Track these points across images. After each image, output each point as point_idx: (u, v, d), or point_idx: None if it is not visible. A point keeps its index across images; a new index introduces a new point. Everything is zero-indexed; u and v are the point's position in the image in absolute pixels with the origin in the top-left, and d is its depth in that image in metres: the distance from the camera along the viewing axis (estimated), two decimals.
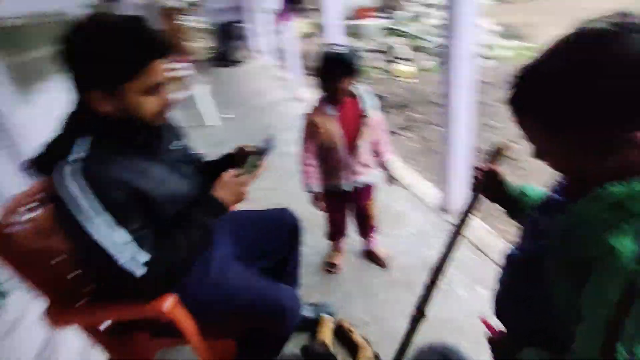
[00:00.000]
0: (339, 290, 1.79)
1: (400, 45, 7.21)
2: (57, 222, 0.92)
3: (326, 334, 1.51)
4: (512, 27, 8.95)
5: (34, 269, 1.01)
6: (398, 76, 6.40)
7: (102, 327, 1.15)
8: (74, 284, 1.12)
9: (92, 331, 1.11)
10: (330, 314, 1.60)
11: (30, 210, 1.09)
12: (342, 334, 1.52)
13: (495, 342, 0.82)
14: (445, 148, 2.02)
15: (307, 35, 9.08)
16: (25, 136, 1.52)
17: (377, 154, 1.66)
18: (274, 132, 1.16)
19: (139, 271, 0.87)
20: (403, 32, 7.64)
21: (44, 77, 1.91)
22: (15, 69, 1.64)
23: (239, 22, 7.23)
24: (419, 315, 0.95)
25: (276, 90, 5.30)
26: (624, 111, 0.49)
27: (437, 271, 0.91)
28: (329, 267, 1.89)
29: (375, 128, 1.59)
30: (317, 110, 1.56)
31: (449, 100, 1.85)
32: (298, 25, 6.37)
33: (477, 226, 2.03)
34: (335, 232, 1.87)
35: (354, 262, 1.95)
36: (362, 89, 1.56)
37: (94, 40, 0.80)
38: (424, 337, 1.51)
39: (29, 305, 1.35)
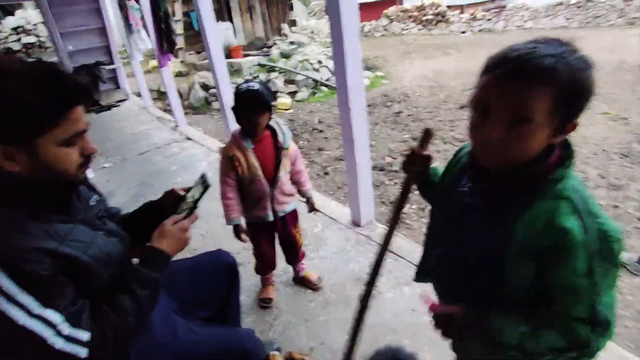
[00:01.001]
0: (279, 323, 1.76)
1: (274, 80, 7.60)
2: None
3: None
4: (364, 59, 10.38)
5: None
6: (278, 108, 6.71)
7: None
8: None
9: None
10: (277, 349, 1.55)
11: None
12: None
13: (442, 316, 0.80)
14: (350, 167, 2.23)
15: (179, 74, 8.80)
16: None
17: (297, 184, 1.73)
18: (204, 171, 1.12)
19: (83, 352, 0.73)
20: (276, 67, 8.08)
21: None
22: None
23: (107, 63, 6.53)
24: (363, 306, 0.98)
25: (159, 132, 4.94)
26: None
27: (380, 257, 0.95)
28: (264, 302, 1.84)
29: (293, 159, 1.66)
30: (234, 143, 1.56)
31: (349, 124, 2.06)
32: (172, 64, 6.15)
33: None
34: (265, 266, 1.85)
35: (287, 291, 1.95)
36: (278, 122, 1.62)
37: (1, 87, 0.68)
38: (363, 345, 1.61)
39: None
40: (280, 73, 7.94)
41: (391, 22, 16.64)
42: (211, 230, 2.56)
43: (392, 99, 6.69)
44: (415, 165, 0.88)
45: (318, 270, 2.03)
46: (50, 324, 0.71)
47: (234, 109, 1.50)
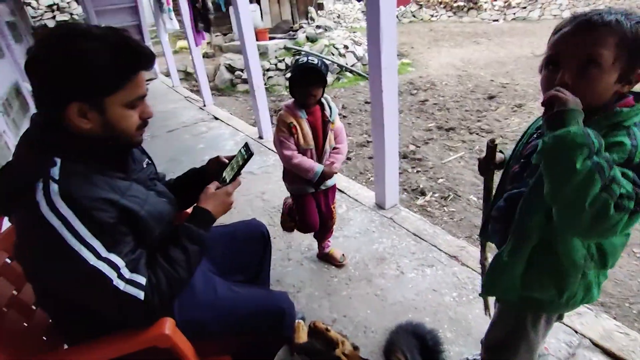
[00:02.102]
0: (302, 296, 1.83)
1: None
2: (30, 254, 0.80)
3: (303, 338, 1.54)
4: None
5: None
6: None
7: None
8: (30, 327, 0.96)
9: None
10: (301, 319, 1.63)
11: None
12: (318, 334, 1.56)
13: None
14: (378, 150, 2.25)
15: (205, 56, 8.90)
16: None
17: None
18: (247, 140, 1.17)
19: (141, 295, 0.81)
20: (302, 51, 8.05)
21: None
22: None
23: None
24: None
25: (187, 111, 5.07)
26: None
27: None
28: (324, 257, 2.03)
29: (337, 134, 1.73)
30: (290, 113, 1.63)
31: (380, 106, 2.08)
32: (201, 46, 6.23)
33: (411, 219, 2.29)
34: (312, 227, 1.87)
35: (311, 266, 2.02)
36: (326, 98, 1.69)
37: (79, 47, 0.74)
38: (385, 320, 1.66)
39: None
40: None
41: (420, 8, 16.19)
42: (239, 206, 2.65)
43: (418, 87, 6.59)
44: (486, 170, 1.05)
45: (342, 248, 2.08)
46: (114, 267, 0.78)
47: (291, 81, 1.59)
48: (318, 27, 9.50)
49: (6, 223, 0.96)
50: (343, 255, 2.02)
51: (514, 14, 13.81)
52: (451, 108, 5.46)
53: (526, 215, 0.83)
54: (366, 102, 5.80)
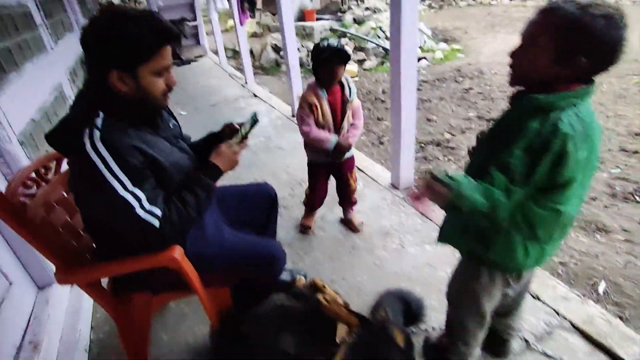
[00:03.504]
0: (308, 258, 2.02)
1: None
2: (79, 186, 1.04)
3: None
4: (441, 30, 9.83)
5: (43, 236, 1.12)
6: None
7: (106, 286, 1.27)
8: (79, 247, 1.24)
9: (97, 292, 1.23)
10: (304, 276, 1.82)
11: (36, 183, 1.19)
12: (315, 290, 1.76)
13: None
14: (395, 131, 2.34)
15: (253, 35, 9.18)
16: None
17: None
18: (255, 110, 1.37)
19: (156, 223, 1.03)
20: (347, 33, 8.05)
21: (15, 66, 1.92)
22: None
23: (190, 20, 7.11)
24: None
25: (230, 87, 5.38)
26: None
27: None
28: (304, 228, 2.19)
29: (354, 112, 1.89)
30: (312, 92, 1.82)
31: (398, 87, 2.16)
32: (248, 25, 6.48)
33: None
34: (314, 202, 2.15)
35: (320, 234, 2.20)
36: (347, 78, 1.85)
37: (119, 25, 0.95)
38: (379, 286, 1.81)
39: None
40: (350, 39, 7.91)
41: None
42: (263, 176, 2.88)
43: (464, 75, 6.38)
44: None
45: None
46: (137, 199, 1.00)
47: (314, 61, 1.75)
48: (367, 8, 9.38)
49: (64, 167, 1.23)
50: (362, 223, 2.20)
51: None
52: (496, 98, 5.26)
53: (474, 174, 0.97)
54: None
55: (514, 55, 0.88)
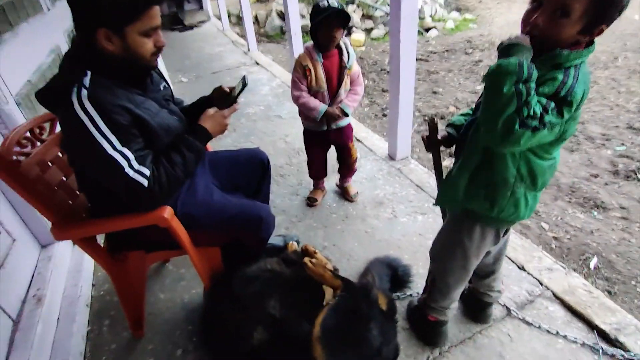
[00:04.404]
0: (302, 225, 2.07)
1: (351, 13, 7.36)
2: (69, 144, 1.07)
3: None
4: None
5: (38, 193, 1.16)
6: (351, 44, 6.59)
7: (101, 243, 1.32)
8: (74, 205, 1.28)
9: (93, 249, 1.28)
10: (296, 241, 1.87)
11: (31, 143, 1.21)
12: (307, 255, 1.81)
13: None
14: (393, 101, 2.31)
15: (259, 0, 8.88)
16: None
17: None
18: (245, 74, 1.35)
19: (145, 182, 1.05)
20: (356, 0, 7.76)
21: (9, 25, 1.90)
22: None
23: None
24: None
25: (232, 54, 5.28)
26: None
27: None
28: (310, 201, 2.19)
29: (354, 78, 1.84)
30: (307, 55, 1.76)
31: (397, 56, 2.12)
32: None
33: (418, 172, 2.38)
34: (314, 172, 2.14)
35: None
36: (346, 42, 1.78)
37: None
38: (369, 253, 1.85)
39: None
40: (358, 6, 7.63)
41: None
42: (262, 145, 2.89)
43: (474, 46, 6.17)
44: (430, 147, 1.20)
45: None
46: (126, 158, 1.03)
47: (312, 21, 1.67)
48: None
49: (59, 127, 1.24)
50: (357, 192, 2.21)
51: None
52: None
53: (473, 136, 1.01)
54: (418, 59, 5.60)
55: (535, 25, 0.85)
